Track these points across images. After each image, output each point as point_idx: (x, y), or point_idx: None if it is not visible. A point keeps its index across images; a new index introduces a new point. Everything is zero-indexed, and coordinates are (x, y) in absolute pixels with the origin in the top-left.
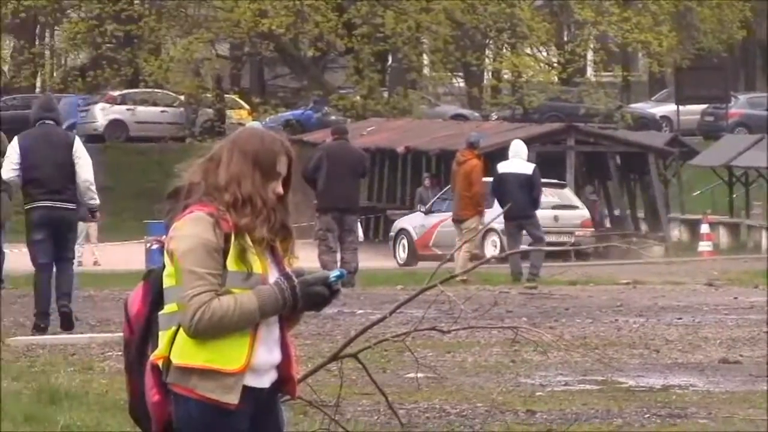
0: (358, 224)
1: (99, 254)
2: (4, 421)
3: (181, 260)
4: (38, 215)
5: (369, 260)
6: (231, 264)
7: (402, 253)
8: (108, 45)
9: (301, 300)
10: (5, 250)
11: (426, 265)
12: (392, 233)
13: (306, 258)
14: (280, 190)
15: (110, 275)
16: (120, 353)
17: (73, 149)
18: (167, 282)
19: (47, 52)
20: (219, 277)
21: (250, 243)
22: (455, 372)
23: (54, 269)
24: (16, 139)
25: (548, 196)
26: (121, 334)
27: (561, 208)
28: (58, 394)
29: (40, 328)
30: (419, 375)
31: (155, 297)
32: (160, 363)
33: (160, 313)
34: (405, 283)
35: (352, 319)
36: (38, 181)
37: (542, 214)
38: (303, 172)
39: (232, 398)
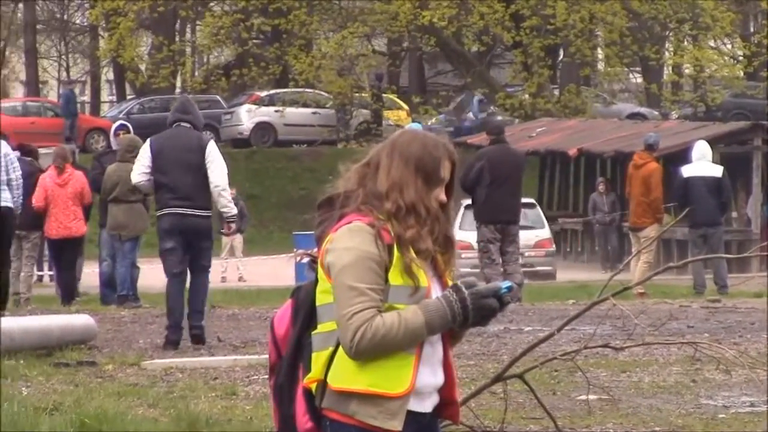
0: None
1: (244, 269)
2: None
3: (341, 275)
4: (169, 222)
5: None
6: (395, 278)
7: None
8: (254, 41)
9: (472, 313)
10: (139, 266)
11: (594, 278)
12: None
13: None
14: (443, 197)
15: (256, 292)
16: (266, 377)
17: (206, 153)
18: (322, 299)
19: (188, 50)
20: (381, 292)
21: (414, 255)
22: (630, 393)
23: (188, 280)
24: (148, 141)
25: None
26: (267, 356)
27: None
28: (199, 421)
29: (171, 342)
30: (591, 397)
31: (306, 316)
32: (313, 387)
33: (313, 332)
34: (576, 297)
35: (519, 336)
36: (169, 186)
37: None
38: (462, 181)
39: (396, 425)
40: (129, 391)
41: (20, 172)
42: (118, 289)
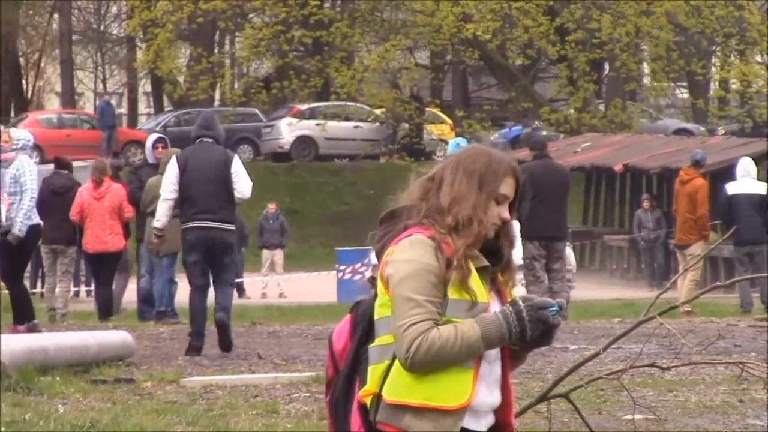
0: (571, 251)
1: (285, 285)
2: None
3: (399, 286)
4: (194, 235)
5: (583, 290)
6: (453, 292)
7: None
8: (295, 53)
9: (529, 326)
10: (177, 281)
11: (640, 295)
12: None
13: None
14: (506, 214)
15: (297, 308)
16: (307, 394)
17: (232, 168)
18: (381, 312)
19: (227, 62)
20: (439, 305)
21: (473, 269)
22: (677, 413)
23: (210, 289)
24: (174, 157)
25: None
26: (310, 373)
27: None
28: None
29: (194, 348)
30: (637, 416)
31: (364, 330)
32: (368, 400)
33: (370, 345)
34: (623, 316)
35: (564, 355)
36: (194, 200)
37: None
38: None
39: None
40: (167, 409)
41: (32, 187)
42: (156, 305)
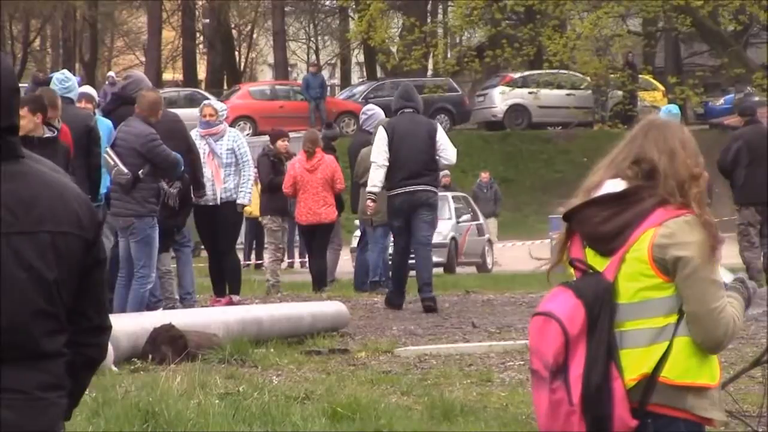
0: None
1: (498, 254)
2: None
3: (703, 270)
4: (399, 201)
5: None
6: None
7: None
8: (507, 21)
9: (750, 306)
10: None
11: None
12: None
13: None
14: None
15: (511, 276)
16: (522, 363)
17: (437, 136)
18: (644, 294)
19: (440, 31)
20: None
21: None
22: None
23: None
24: (381, 128)
25: None
26: (524, 341)
27: None
28: (454, 408)
29: (393, 304)
30: None
31: (609, 315)
32: (633, 383)
33: (627, 328)
34: None
35: None
36: (401, 167)
37: None
38: (719, 162)
39: (721, 414)
40: (382, 379)
41: (251, 158)
42: (370, 275)
